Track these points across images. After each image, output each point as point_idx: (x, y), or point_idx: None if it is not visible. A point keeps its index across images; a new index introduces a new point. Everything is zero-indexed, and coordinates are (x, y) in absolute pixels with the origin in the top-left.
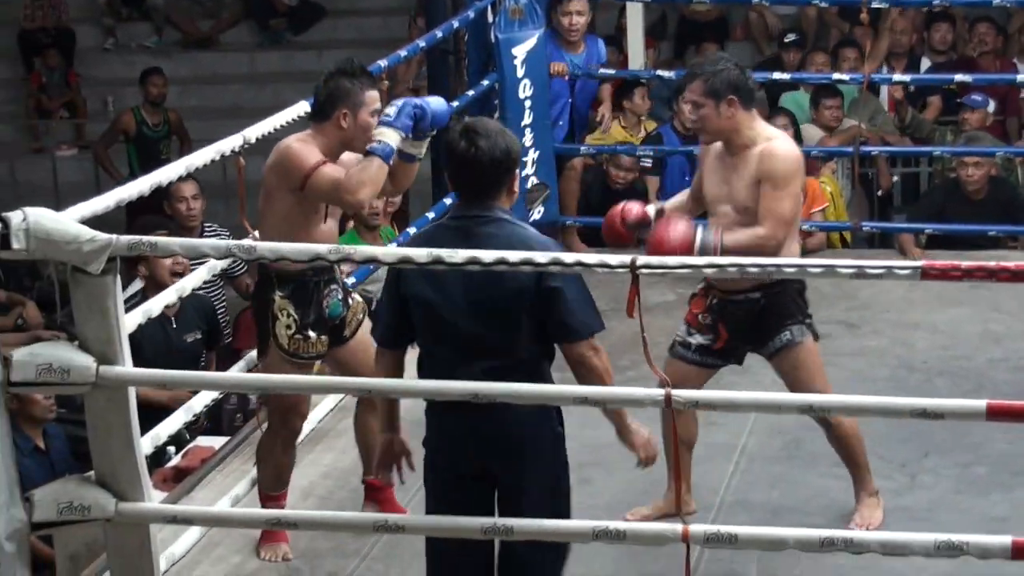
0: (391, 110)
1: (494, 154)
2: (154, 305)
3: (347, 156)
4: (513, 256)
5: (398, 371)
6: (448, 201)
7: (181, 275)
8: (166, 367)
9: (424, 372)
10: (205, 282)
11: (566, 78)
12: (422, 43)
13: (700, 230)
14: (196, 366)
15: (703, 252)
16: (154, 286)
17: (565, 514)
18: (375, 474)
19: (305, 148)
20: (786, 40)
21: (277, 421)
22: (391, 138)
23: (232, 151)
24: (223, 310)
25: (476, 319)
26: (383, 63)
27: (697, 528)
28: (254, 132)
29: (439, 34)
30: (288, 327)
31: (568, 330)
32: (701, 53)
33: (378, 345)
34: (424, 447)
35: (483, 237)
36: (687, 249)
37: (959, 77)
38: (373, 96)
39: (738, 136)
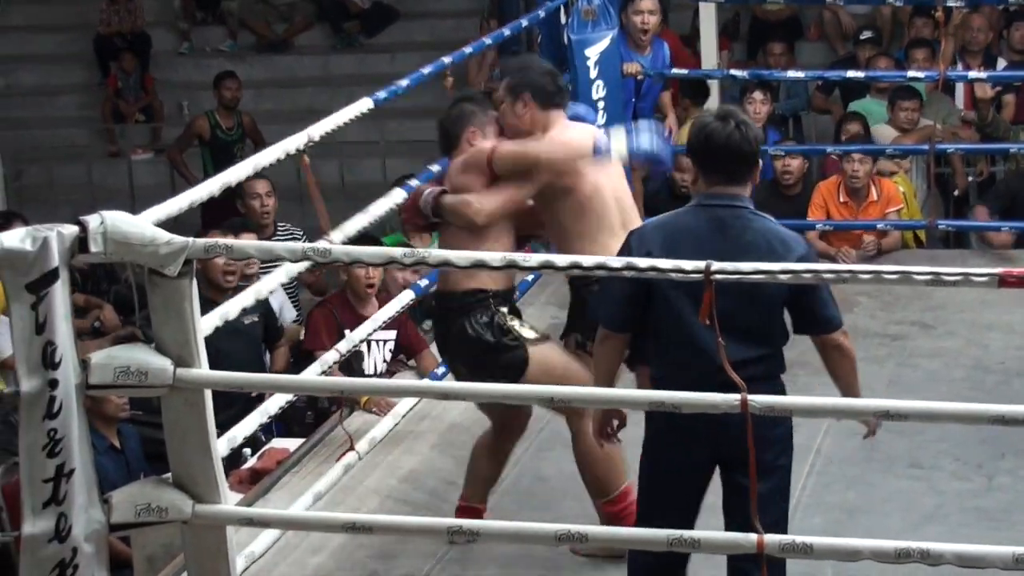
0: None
1: (754, 141)
2: (231, 308)
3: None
4: (572, 261)
5: (623, 356)
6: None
7: (233, 273)
8: (228, 347)
9: (666, 360)
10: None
11: (639, 78)
12: (488, 40)
13: (427, 191)
14: (257, 348)
15: (424, 210)
16: (208, 285)
17: (787, 487)
18: (595, 436)
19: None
20: (861, 38)
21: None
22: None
23: (297, 149)
24: (297, 311)
25: (738, 307)
26: (447, 60)
27: (772, 538)
28: (319, 130)
29: (507, 32)
30: (522, 325)
31: (827, 321)
32: (770, 53)
33: (607, 328)
34: (650, 432)
35: (739, 230)
36: (414, 207)
37: None
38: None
39: (531, 135)
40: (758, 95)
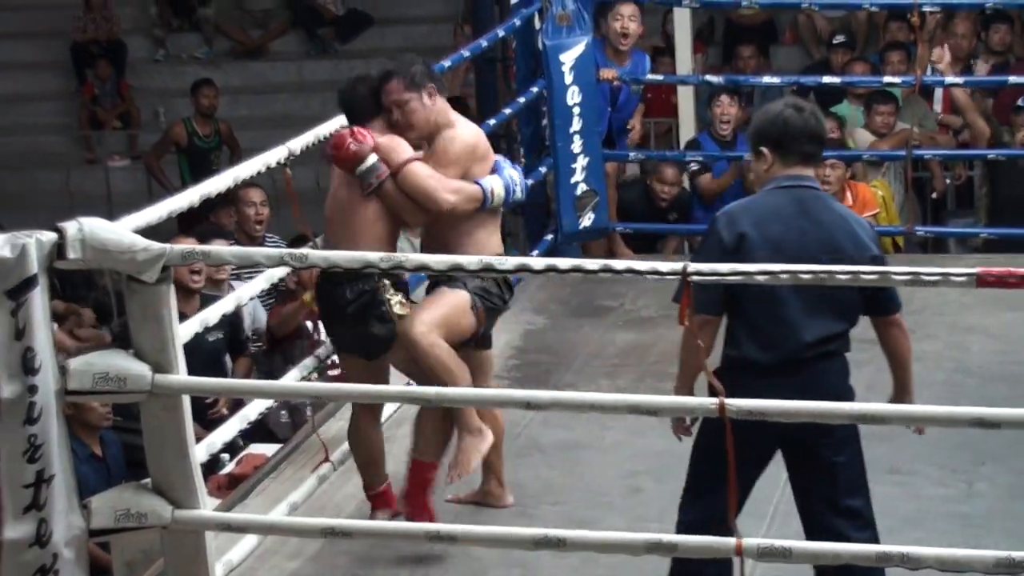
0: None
1: (824, 127)
2: (211, 314)
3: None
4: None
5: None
6: None
7: (199, 273)
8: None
9: (756, 338)
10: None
11: (615, 83)
12: (466, 53)
13: (373, 158)
14: (217, 367)
15: (367, 173)
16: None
17: (862, 458)
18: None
19: None
20: (835, 42)
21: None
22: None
23: (278, 163)
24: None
25: (819, 288)
26: None
27: (751, 541)
28: (298, 144)
29: (484, 43)
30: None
31: (893, 302)
32: (739, 57)
33: (707, 314)
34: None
35: (819, 210)
36: (347, 160)
37: (1013, 79)
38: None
39: (436, 126)
40: (725, 98)
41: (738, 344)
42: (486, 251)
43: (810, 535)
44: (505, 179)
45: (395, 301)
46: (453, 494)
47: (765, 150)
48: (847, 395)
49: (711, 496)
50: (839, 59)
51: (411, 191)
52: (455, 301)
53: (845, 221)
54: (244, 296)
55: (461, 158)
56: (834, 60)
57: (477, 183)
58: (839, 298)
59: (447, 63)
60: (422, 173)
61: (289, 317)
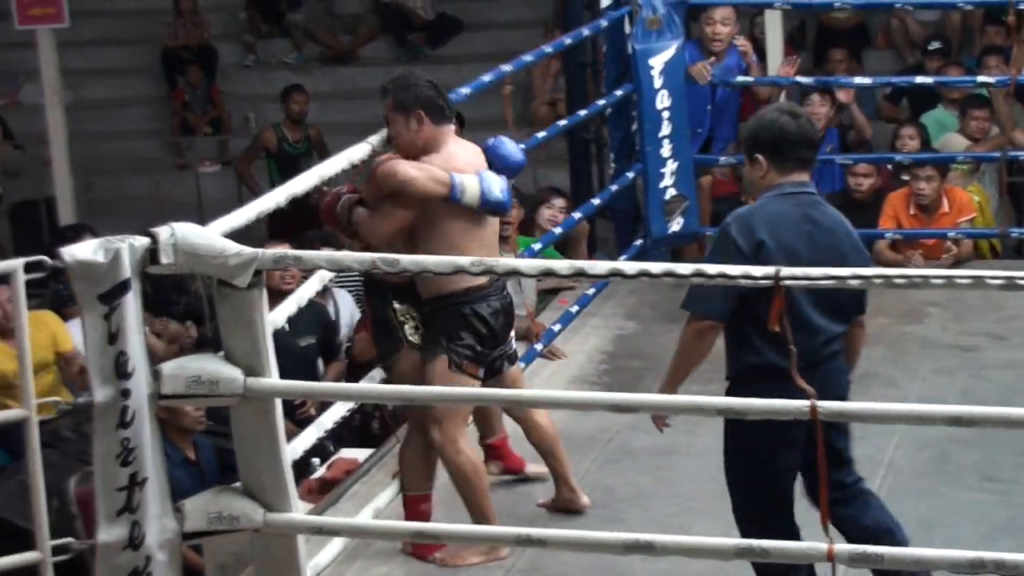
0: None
1: (818, 132)
2: (278, 315)
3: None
4: (655, 268)
5: None
6: None
7: (294, 277)
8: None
9: (773, 345)
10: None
11: (708, 78)
12: (549, 48)
13: (345, 196)
14: (311, 372)
15: (340, 217)
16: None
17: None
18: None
19: None
20: (929, 48)
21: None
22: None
23: (362, 160)
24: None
25: (832, 294)
26: (507, 68)
27: (842, 548)
28: (379, 138)
29: (567, 41)
30: (413, 330)
31: (865, 304)
32: (830, 60)
33: (712, 319)
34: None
35: (819, 214)
36: (330, 212)
37: None
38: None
39: (422, 150)
40: (816, 97)
41: (759, 351)
42: (463, 254)
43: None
44: (482, 178)
45: (409, 327)
46: (540, 501)
47: (761, 157)
48: (848, 391)
49: (776, 515)
50: (933, 65)
51: (380, 180)
52: (440, 375)
53: (843, 226)
54: (304, 296)
55: (385, 188)
56: (928, 66)
57: (449, 175)
58: (840, 300)
59: (528, 58)
60: (397, 164)
61: (367, 343)
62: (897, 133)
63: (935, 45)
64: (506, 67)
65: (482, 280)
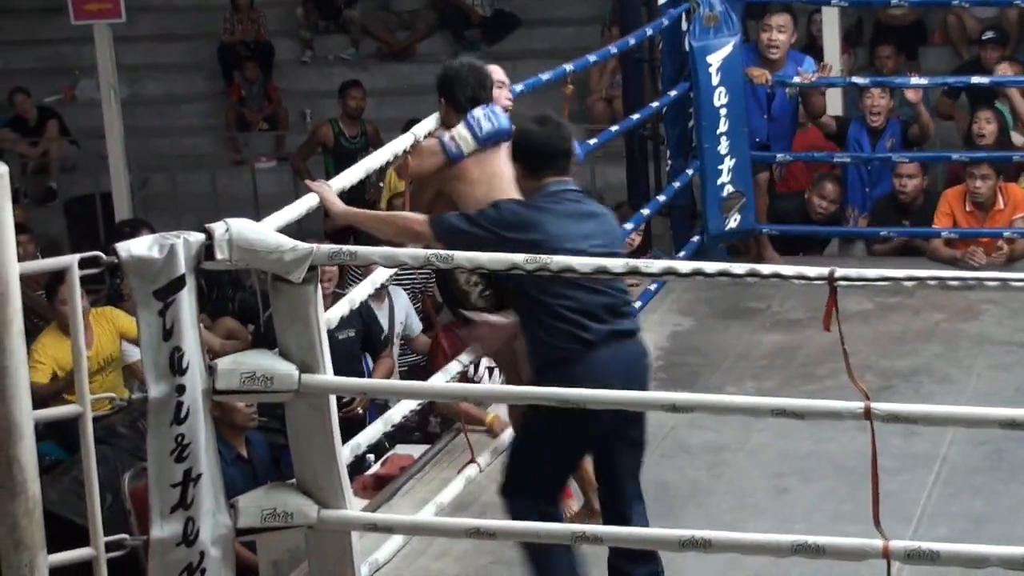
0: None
1: (569, 138)
2: (332, 314)
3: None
4: (683, 267)
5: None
6: None
7: (330, 280)
8: None
9: (559, 321)
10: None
11: (767, 84)
12: (614, 49)
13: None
14: (351, 364)
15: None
16: None
17: None
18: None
19: None
20: (984, 37)
21: None
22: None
23: (405, 151)
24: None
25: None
26: (568, 67)
27: (898, 544)
28: (422, 129)
29: (631, 41)
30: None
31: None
32: (878, 56)
33: (438, 235)
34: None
35: (587, 205)
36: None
37: None
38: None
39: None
40: (876, 90)
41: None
42: (501, 195)
43: (616, 505)
44: (467, 122)
45: (475, 295)
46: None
47: (522, 166)
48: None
49: (538, 486)
50: (989, 55)
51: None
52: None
53: (609, 217)
54: (356, 298)
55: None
56: (984, 57)
57: (437, 137)
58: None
59: (592, 58)
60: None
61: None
62: (974, 116)
63: (990, 35)
64: (568, 66)
65: None
